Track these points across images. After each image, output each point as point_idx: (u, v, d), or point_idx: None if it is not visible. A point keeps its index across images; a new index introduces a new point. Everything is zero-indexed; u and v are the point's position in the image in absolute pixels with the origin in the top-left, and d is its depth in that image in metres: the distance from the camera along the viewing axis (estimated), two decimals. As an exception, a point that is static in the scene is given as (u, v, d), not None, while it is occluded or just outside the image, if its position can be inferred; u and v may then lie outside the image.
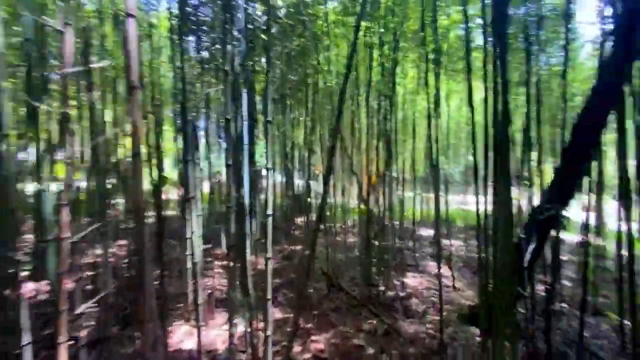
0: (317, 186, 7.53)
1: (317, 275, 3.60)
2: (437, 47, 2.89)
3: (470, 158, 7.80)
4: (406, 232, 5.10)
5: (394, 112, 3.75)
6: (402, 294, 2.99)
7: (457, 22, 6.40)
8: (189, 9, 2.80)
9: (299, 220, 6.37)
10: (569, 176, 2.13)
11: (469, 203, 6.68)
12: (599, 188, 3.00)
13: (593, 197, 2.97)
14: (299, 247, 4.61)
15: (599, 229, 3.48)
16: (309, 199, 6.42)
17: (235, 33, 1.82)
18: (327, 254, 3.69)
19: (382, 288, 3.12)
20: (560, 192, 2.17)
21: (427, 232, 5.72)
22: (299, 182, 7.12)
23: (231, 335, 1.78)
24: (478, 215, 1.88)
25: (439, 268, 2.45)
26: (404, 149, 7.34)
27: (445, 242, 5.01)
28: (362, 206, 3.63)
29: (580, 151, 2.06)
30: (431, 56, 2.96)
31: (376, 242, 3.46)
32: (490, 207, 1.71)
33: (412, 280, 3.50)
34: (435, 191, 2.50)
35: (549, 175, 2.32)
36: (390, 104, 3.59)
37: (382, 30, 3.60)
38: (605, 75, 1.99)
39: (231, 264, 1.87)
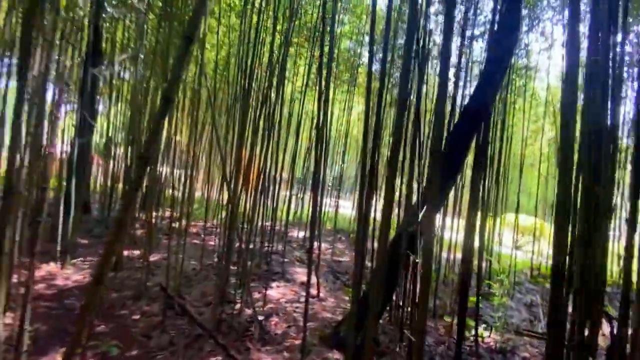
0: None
1: (153, 293, 2.67)
2: (330, 51, 2.55)
3: (344, 165, 8.19)
4: (277, 234, 4.68)
5: (278, 107, 3.22)
6: (261, 316, 2.46)
7: (348, 34, 6.52)
8: None
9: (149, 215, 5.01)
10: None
11: (340, 207, 6.88)
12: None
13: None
14: (137, 253, 3.47)
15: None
16: (166, 190, 5.16)
17: None
18: (175, 263, 2.80)
19: (239, 306, 2.51)
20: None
21: (299, 234, 5.48)
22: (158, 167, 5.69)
23: None
24: (360, 222, 1.58)
25: (309, 277, 2.06)
26: (285, 147, 7.01)
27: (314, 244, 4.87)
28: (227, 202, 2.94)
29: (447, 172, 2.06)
30: (325, 60, 2.64)
31: (242, 246, 2.84)
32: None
33: (276, 291, 3.05)
34: (314, 193, 2.12)
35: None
36: (276, 98, 3.06)
37: (274, 14, 2.99)
38: (470, 109, 2.05)
39: None
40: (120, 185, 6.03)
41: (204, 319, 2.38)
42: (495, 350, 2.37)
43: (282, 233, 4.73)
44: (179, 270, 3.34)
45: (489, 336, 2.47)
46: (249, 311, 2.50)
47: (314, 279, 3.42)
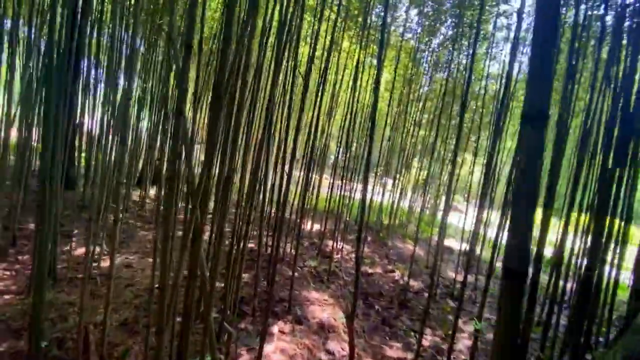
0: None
1: (66, 344, 1.39)
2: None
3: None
4: (286, 226, 3.33)
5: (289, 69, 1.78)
6: None
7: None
8: None
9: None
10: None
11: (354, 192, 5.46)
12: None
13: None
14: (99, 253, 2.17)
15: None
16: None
17: None
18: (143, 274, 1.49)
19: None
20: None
21: (312, 227, 4.13)
22: None
23: None
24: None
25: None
26: (299, 118, 5.55)
27: (329, 244, 3.54)
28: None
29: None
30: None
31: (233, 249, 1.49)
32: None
33: (279, 344, 1.71)
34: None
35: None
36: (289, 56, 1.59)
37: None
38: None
39: None
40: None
41: None
42: None
43: (293, 225, 3.41)
44: (140, 288, 2.06)
45: None
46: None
47: (338, 316, 2.08)
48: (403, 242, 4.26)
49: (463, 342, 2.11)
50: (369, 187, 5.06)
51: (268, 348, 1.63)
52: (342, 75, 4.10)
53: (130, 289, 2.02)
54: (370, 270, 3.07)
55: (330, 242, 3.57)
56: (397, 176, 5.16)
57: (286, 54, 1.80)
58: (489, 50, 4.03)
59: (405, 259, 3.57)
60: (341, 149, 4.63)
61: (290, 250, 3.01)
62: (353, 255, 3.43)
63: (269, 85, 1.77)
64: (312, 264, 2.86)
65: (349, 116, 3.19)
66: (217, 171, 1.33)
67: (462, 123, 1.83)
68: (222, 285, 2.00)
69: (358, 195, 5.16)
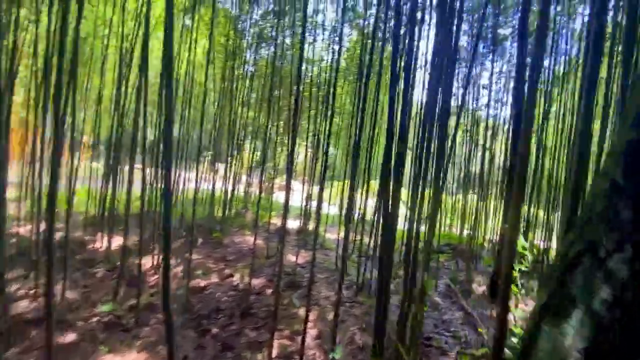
0: None
1: None
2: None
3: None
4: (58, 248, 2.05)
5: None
6: None
7: None
8: None
9: None
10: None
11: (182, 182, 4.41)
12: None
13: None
14: None
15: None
16: None
17: None
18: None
19: None
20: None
21: (102, 244, 2.88)
22: None
23: None
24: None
25: None
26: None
27: (137, 263, 2.54)
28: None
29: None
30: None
31: None
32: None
33: None
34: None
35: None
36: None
37: None
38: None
39: None
40: None
41: None
42: None
43: (75, 244, 2.19)
44: None
45: None
46: None
47: None
48: (242, 234, 3.85)
49: (310, 333, 2.00)
50: (195, 175, 4.13)
51: None
52: (138, 30, 2.94)
53: None
54: (203, 283, 2.45)
55: (138, 261, 2.59)
56: (230, 160, 4.61)
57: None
58: (311, 34, 4.08)
59: (245, 255, 3.19)
60: (153, 130, 3.50)
61: (64, 292, 1.86)
62: (176, 270, 2.66)
63: None
64: (105, 308, 1.87)
65: (162, 90, 2.27)
66: None
67: (298, 105, 1.55)
68: None
69: (182, 187, 4.13)
